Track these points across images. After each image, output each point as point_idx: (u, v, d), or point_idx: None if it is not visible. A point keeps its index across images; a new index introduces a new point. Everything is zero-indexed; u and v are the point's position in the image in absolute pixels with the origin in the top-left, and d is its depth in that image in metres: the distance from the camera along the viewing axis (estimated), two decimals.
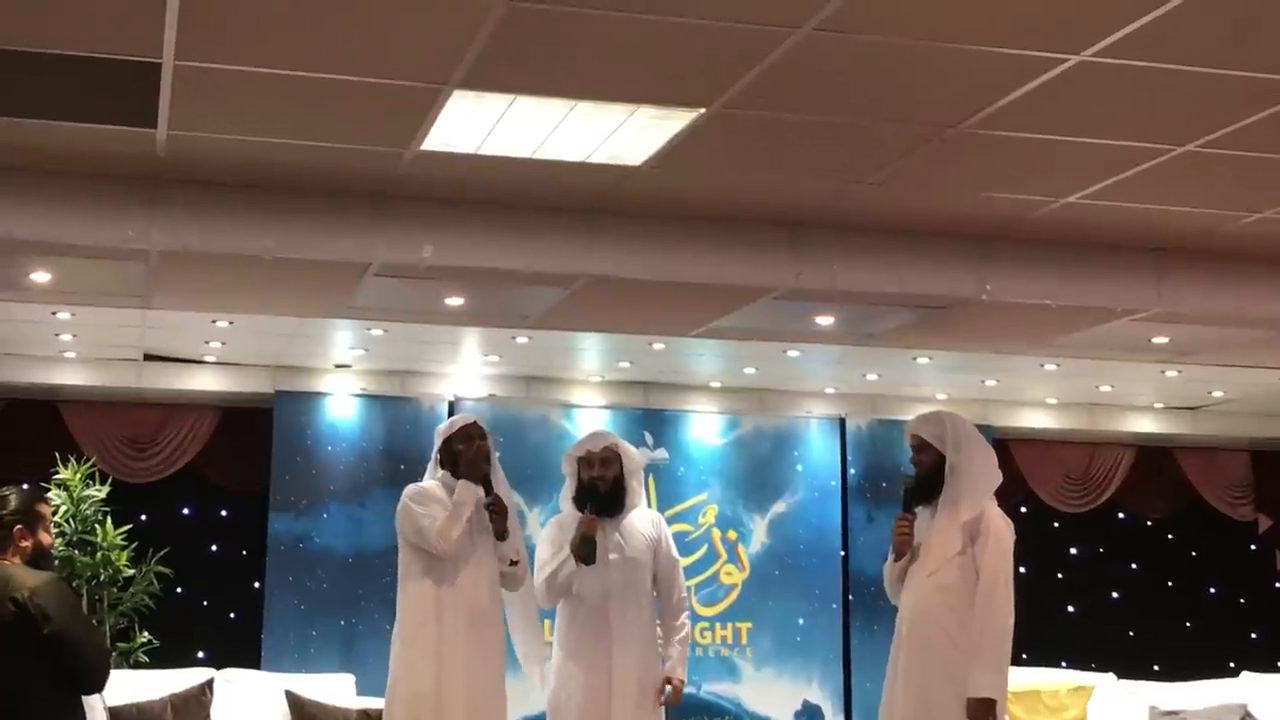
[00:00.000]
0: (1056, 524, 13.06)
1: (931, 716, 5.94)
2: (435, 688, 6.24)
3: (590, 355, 10.54)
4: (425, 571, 6.38)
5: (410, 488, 6.43)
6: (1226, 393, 11.56)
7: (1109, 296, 7.51)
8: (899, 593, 6.26)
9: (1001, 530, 6.07)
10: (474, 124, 5.61)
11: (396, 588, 6.49)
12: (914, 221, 7.00)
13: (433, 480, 6.48)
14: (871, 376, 11.07)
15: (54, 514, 9.44)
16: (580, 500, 6.71)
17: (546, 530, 6.80)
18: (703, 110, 5.44)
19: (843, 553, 11.90)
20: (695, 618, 11.32)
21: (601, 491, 6.65)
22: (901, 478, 6.32)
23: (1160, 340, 8.84)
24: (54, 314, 8.90)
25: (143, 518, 10.74)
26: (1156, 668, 11.98)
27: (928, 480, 6.11)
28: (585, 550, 6.53)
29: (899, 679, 6.10)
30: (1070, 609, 13.05)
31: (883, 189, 6.43)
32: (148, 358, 10.49)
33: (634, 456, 6.85)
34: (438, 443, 6.57)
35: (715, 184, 6.47)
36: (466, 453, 6.40)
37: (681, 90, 5.27)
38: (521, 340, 9.68)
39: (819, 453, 11.97)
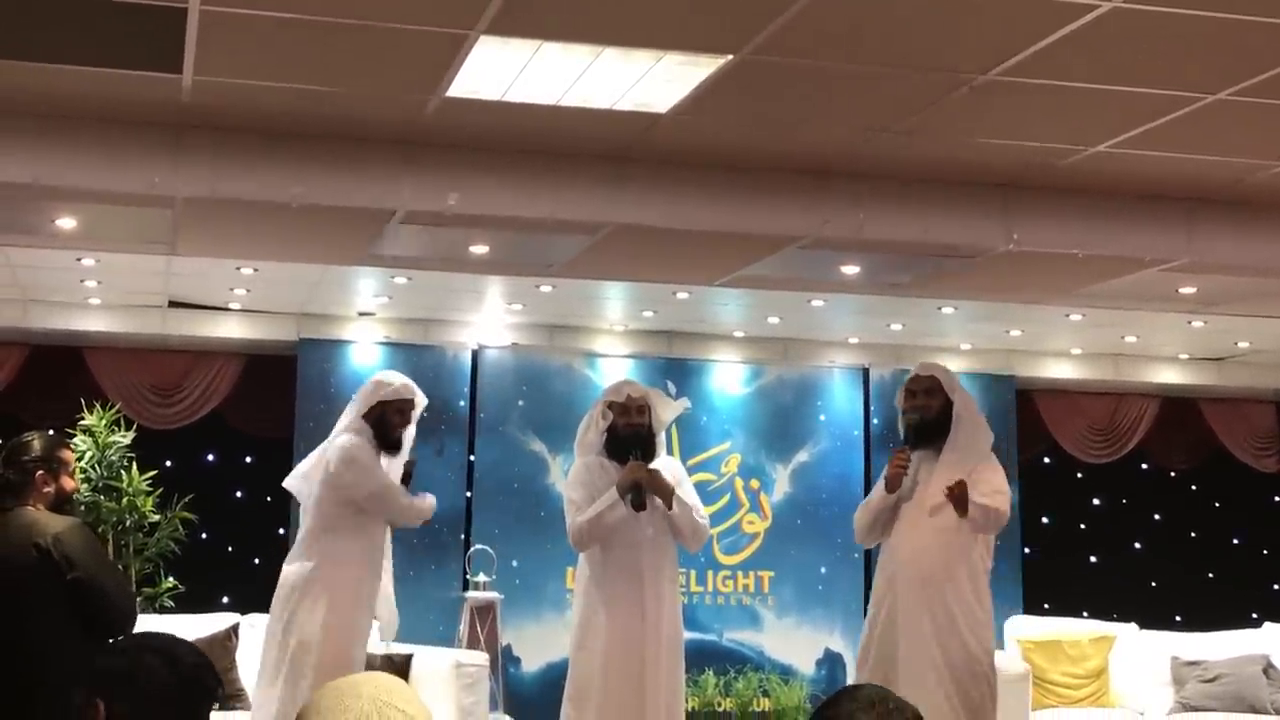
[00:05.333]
0: (1080, 474, 13.04)
1: (939, 669, 6.00)
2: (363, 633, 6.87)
3: (614, 304, 10.53)
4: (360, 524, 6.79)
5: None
6: (1253, 344, 11.51)
7: (1137, 246, 7.48)
8: (878, 531, 6.36)
9: (1001, 470, 6.34)
10: (500, 70, 5.58)
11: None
12: (941, 170, 6.97)
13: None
14: (895, 326, 11.04)
15: (79, 460, 9.53)
16: (615, 446, 6.73)
17: (575, 473, 6.82)
18: (730, 57, 5.40)
19: None
20: (717, 566, 11.36)
21: (642, 436, 6.71)
22: (906, 416, 6.40)
23: (1187, 290, 8.79)
24: (79, 260, 8.91)
25: (168, 464, 10.78)
26: (1179, 618, 11.97)
27: (935, 422, 6.24)
28: (638, 497, 6.57)
29: (899, 624, 6.14)
30: (1093, 559, 13.05)
31: (910, 137, 6.39)
32: (172, 304, 10.51)
33: (669, 406, 6.90)
34: (380, 396, 6.89)
35: (742, 132, 6.44)
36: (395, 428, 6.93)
37: (708, 37, 5.23)
38: (545, 289, 9.66)
39: (842, 402, 11.96)
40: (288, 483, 7.06)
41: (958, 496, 6.15)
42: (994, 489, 6.23)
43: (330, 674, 6.18)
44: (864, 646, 6.41)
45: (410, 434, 6.99)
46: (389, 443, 6.84)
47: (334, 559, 6.68)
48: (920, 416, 6.34)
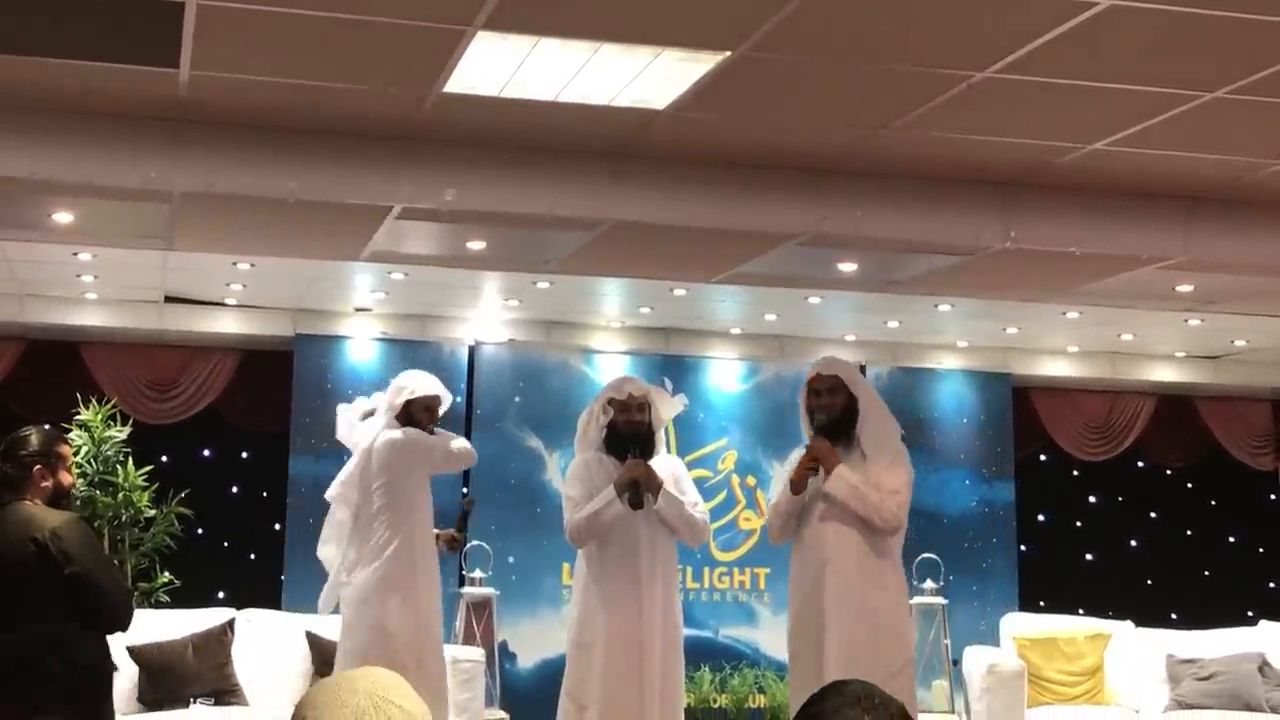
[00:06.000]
0: (1076, 472, 13.06)
1: (876, 658, 6.07)
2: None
3: (611, 301, 10.53)
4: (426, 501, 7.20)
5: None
6: (1249, 342, 11.51)
7: (1135, 244, 7.48)
8: (791, 530, 6.44)
9: (905, 470, 6.32)
10: (497, 66, 5.58)
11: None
12: (939, 168, 6.96)
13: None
14: (892, 324, 11.05)
15: (75, 454, 9.51)
16: (614, 443, 6.73)
17: (574, 470, 6.83)
18: (728, 53, 5.40)
19: None
20: (714, 563, 11.36)
21: (641, 435, 6.70)
22: (814, 416, 6.43)
23: (1184, 288, 8.79)
24: (75, 255, 8.91)
25: (164, 459, 10.77)
26: (1174, 616, 11.99)
27: (841, 420, 6.28)
28: (636, 495, 6.57)
29: (828, 624, 6.18)
30: (1089, 557, 13.07)
31: (908, 135, 6.39)
32: (169, 300, 10.51)
33: (671, 407, 6.90)
34: (404, 398, 7.16)
35: (740, 128, 6.43)
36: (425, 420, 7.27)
37: (707, 33, 5.22)
38: (542, 285, 9.66)
39: None
40: (331, 493, 7.31)
41: (822, 453, 6.25)
42: (889, 488, 6.23)
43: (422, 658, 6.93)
44: (794, 637, 6.46)
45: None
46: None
47: (419, 543, 7.14)
48: (827, 416, 6.37)
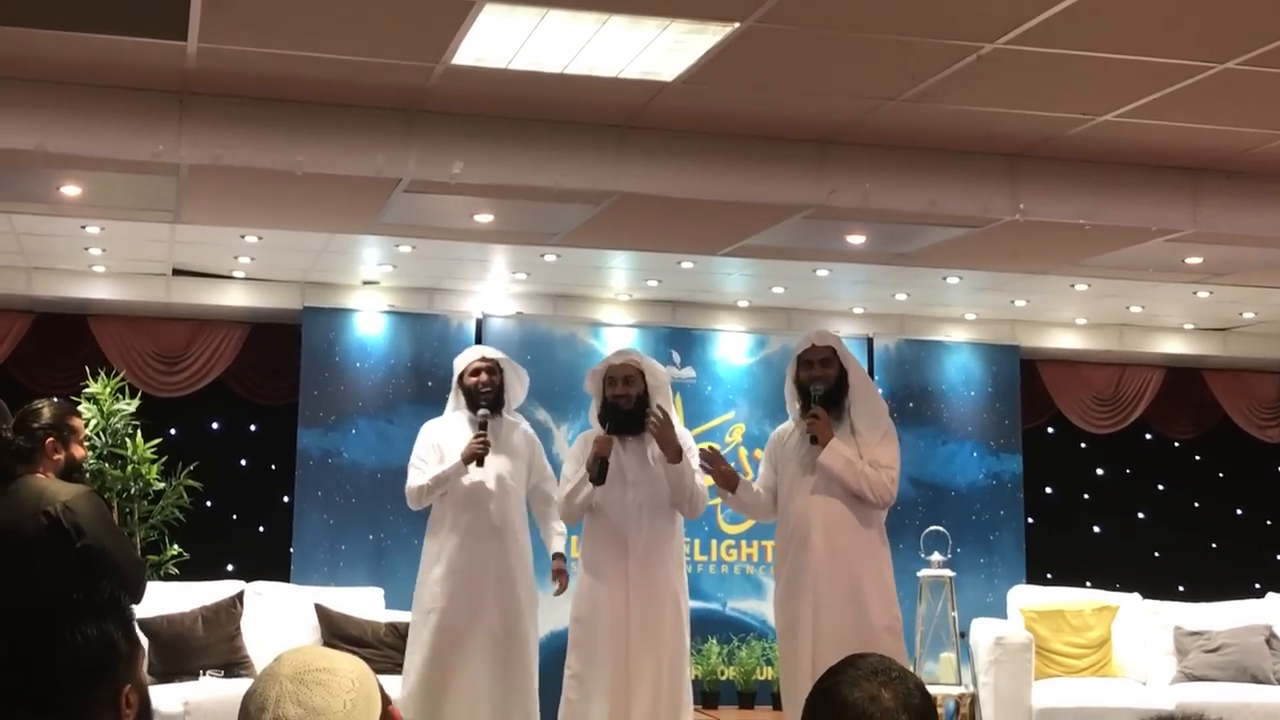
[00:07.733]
0: (1084, 444, 13.04)
1: (861, 626, 6.11)
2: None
3: (618, 273, 10.52)
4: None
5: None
6: (1258, 314, 11.50)
7: (1144, 216, 7.47)
8: (766, 505, 6.55)
9: (894, 445, 6.44)
10: (505, 38, 5.57)
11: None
12: (948, 139, 6.95)
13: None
14: (900, 296, 11.04)
15: (85, 427, 9.53)
16: (603, 418, 6.76)
17: (574, 446, 6.88)
18: (737, 24, 5.38)
19: None
20: (721, 535, 11.38)
21: (623, 409, 6.69)
22: (811, 387, 6.45)
23: (1194, 261, 8.78)
24: (83, 228, 8.91)
25: (172, 432, 10.79)
26: (1182, 588, 11.99)
27: (833, 392, 6.36)
28: (597, 470, 6.59)
29: (815, 595, 6.22)
30: (1096, 529, 13.06)
31: (917, 106, 6.37)
32: (177, 272, 10.51)
33: (658, 373, 6.88)
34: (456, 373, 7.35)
35: (748, 100, 6.42)
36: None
37: (715, 4, 5.21)
38: (550, 258, 9.66)
39: None
40: None
41: (819, 427, 6.31)
42: (883, 463, 6.28)
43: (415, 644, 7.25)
44: (781, 608, 6.48)
45: (515, 398, 7.49)
46: (477, 403, 7.26)
47: (429, 528, 7.54)
48: (824, 387, 6.41)
